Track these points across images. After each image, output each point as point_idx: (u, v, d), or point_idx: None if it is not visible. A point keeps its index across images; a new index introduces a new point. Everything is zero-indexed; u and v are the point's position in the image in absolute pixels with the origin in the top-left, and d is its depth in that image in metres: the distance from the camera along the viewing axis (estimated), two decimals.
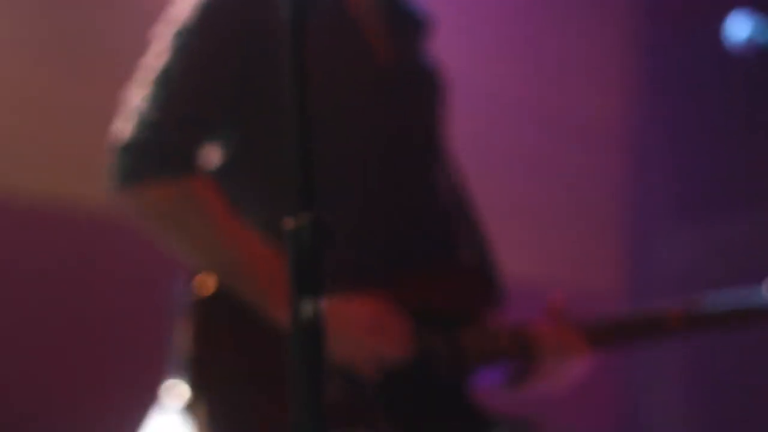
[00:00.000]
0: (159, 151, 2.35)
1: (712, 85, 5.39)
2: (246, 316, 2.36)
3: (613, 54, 5.78)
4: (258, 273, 2.34)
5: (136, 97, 2.42)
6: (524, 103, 5.69)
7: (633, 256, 5.61)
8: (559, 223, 5.68)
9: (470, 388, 2.53)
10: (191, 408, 2.34)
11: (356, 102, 2.50)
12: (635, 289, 5.56)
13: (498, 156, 5.61)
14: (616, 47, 5.76)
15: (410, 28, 2.67)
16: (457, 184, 2.71)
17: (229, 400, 2.35)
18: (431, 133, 2.67)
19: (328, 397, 2.21)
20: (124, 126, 2.40)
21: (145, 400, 2.43)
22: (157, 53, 2.43)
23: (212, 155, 2.49)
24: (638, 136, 5.65)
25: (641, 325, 2.65)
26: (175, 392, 2.37)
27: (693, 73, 5.47)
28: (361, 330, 2.35)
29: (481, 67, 5.43)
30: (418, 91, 2.66)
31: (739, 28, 2.81)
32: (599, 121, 5.82)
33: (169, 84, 2.38)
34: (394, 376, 2.42)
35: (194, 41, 2.41)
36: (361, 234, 2.47)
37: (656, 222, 5.54)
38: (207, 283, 2.41)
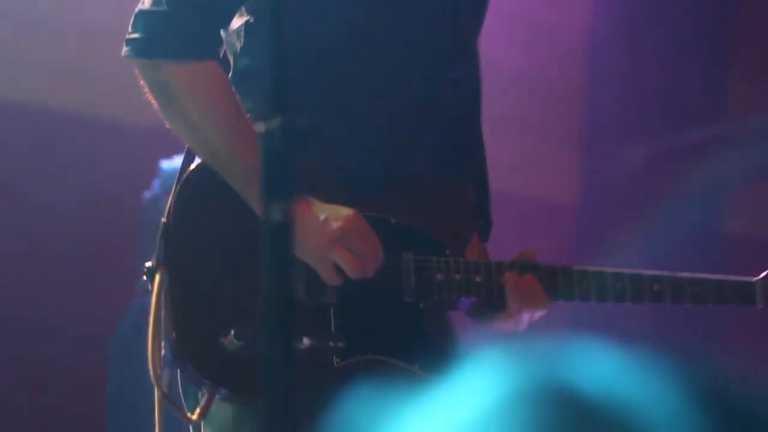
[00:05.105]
0: (173, 31, 2.42)
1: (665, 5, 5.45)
2: (223, 192, 2.43)
3: None
4: (242, 160, 2.39)
5: None
6: None
7: (586, 168, 5.72)
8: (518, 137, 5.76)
9: (432, 316, 2.56)
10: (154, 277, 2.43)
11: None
12: (588, 200, 5.67)
13: None
14: None
15: None
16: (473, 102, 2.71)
17: (192, 272, 2.44)
18: (444, 43, 2.65)
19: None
20: None
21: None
22: None
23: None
24: (595, 52, 5.71)
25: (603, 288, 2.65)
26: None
27: None
28: (325, 239, 2.40)
29: None
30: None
31: None
32: (561, 31, 5.89)
33: None
34: (355, 289, 2.46)
35: None
36: (353, 139, 2.54)
37: (608, 136, 5.64)
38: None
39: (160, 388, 2.40)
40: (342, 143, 2.51)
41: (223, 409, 2.43)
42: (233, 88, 2.47)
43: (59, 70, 5.01)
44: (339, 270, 2.43)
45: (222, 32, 2.54)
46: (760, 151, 5.41)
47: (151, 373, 2.39)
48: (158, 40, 2.41)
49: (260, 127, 1.63)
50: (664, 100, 5.53)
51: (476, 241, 2.68)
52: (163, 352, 2.42)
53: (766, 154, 5.42)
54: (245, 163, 2.39)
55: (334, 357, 2.43)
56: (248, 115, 2.46)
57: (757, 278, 2.71)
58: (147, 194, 4.18)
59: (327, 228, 2.40)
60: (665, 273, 2.66)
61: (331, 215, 2.42)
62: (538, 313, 2.61)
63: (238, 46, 2.55)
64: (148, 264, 2.45)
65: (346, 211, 2.44)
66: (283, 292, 1.60)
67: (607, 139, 5.59)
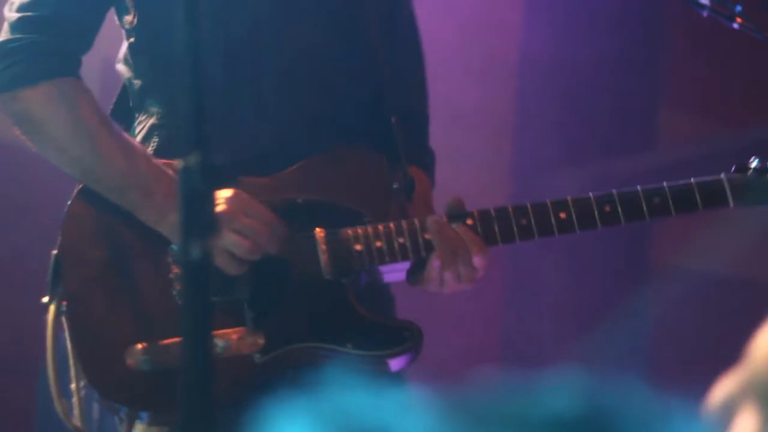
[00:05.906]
0: (22, 58, 2.35)
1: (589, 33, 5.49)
2: (106, 212, 2.35)
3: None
4: (113, 168, 2.32)
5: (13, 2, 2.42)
6: None
7: (515, 198, 5.74)
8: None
9: (369, 289, 2.44)
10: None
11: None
12: None
13: None
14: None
15: None
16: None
17: (87, 299, 2.33)
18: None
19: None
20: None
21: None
22: None
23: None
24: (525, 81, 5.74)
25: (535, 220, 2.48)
26: None
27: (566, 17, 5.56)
28: None
29: None
30: None
31: None
32: (491, 59, 5.91)
33: None
34: (270, 278, 2.35)
35: None
36: (235, 130, 2.44)
37: (537, 166, 5.66)
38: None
39: (68, 420, 2.32)
40: (224, 136, 2.41)
41: None
42: (95, 101, 2.40)
43: None
44: (233, 256, 2.30)
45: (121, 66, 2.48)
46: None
47: (56, 405, 2.31)
48: (8, 71, 2.35)
49: (178, 164, 1.63)
50: (594, 130, 5.56)
51: (405, 201, 2.52)
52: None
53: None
54: (117, 171, 2.32)
55: (255, 354, 2.31)
56: (155, 138, 2.41)
57: (724, 174, 2.52)
58: None
59: None
60: (614, 191, 2.48)
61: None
62: (478, 263, 2.43)
63: (130, 71, 2.48)
64: (45, 299, 2.36)
65: (224, 194, 2.32)
66: (204, 332, 1.60)
67: (536, 169, 5.62)
